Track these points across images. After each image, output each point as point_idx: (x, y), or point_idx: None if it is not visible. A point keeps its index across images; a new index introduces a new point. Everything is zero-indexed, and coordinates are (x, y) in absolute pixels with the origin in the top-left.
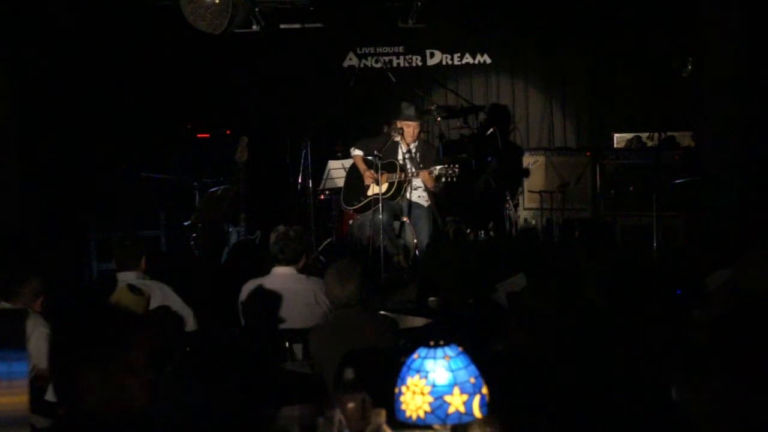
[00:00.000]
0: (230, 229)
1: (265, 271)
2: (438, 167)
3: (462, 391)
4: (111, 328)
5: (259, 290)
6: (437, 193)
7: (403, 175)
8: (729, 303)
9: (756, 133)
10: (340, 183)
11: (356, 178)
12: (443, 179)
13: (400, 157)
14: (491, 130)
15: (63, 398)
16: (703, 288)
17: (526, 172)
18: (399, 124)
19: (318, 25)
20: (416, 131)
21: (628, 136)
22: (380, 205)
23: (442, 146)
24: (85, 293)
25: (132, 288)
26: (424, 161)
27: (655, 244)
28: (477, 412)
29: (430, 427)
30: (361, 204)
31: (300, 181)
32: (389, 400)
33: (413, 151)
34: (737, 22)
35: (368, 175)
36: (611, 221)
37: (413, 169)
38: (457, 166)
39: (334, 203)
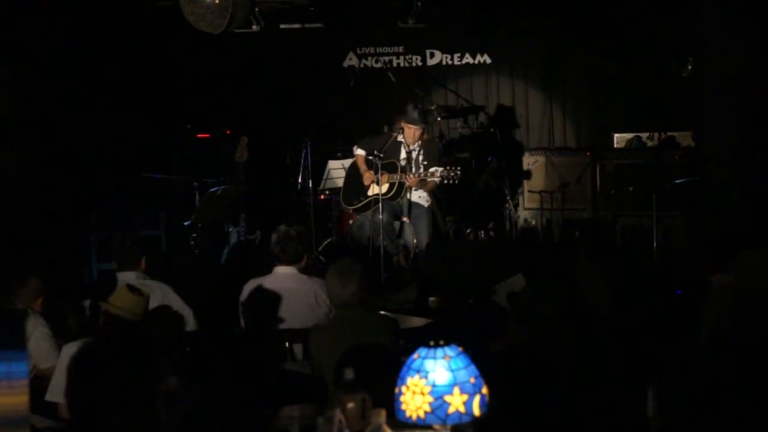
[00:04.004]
0: (230, 229)
1: (266, 271)
2: (440, 169)
3: (462, 391)
4: None
5: (260, 290)
6: (434, 191)
7: (403, 176)
8: (730, 303)
9: (756, 133)
10: (340, 183)
11: (356, 177)
12: (445, 182)
13: (403, 155)
14: (491, 130)
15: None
16: (705, 285)
17: (526, 173)
18: (402, 123)
19: (318, 25)
20: (417, 134)
21: (628, 136)
22: (380, 205)
23: (443, 146)
24: (85, 293)
25: (131, 288)
26: (427, 160)
27: (655, 244)
28: (477, 412)
29: (430, 427)
30: (362, 204)
31: (300, 181)
32: (389, 400)
33: (416, 150)
34: (737, 22)
35: (368, 176)
36: (611, 221)
37: (411, 170)
38: (458, 168)
39: (334, 203)
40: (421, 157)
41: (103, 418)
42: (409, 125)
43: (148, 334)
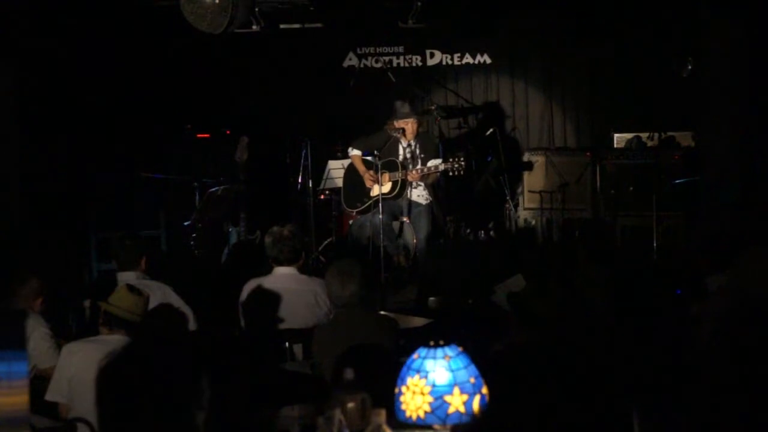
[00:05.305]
0: (230, 229)
1: (266, 271)
2: (440, 161)
3: (462, 391)
4: None
5: (260, 290)
6: (433, 184)
7: (405, 173)
8: (728, 304)
9: (756, 133)
10: (340, 183)
11: (356, 178)
12: (450, 174)
13: (401, 153)
14: (491, 130)
15: None
16: (703, 286)
17: (528, 169)
18: (397, 124)
19: (318, 25)
20: (415, 127)
21: (628, 136)
22: (380, 205)
23: (442, 146)
24: (85, 293)
25: (131, 288)
26: (424, 153)
27: (655, 244)
28: (477, 412)
29: (430, 427)
30: (365, 206)
31: (300, 181)
32: (389, 400)
33: (413, 145)
34: (737, 22)
35: (368, 177)
36: (611, 221)
37: (411, 166)
38: (462, 159)
39: (334, 203)
40: (418, 151)
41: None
42: (405, 120)
43: (188, 346)
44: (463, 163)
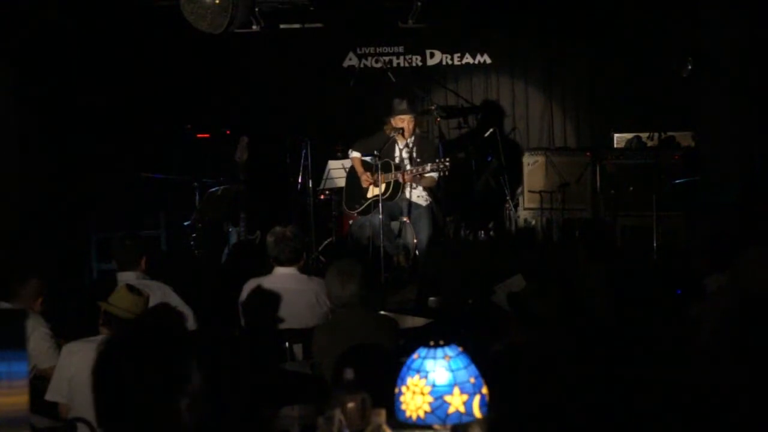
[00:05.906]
0: (230, 229)
1: (266, 271)
2: (429, 165)
3: (462, 391)
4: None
5: (260, 290)
6: (432, 188)
7: (399, 175)
8: (728, 304)
9: (756, 133)
10: (340, 183)
11: (356, 180)
12: (436, 175)
13: (397, 154)
14: (491, 130)
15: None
16: (701, 287)
17: (527, 173)
18: (394, 122)
19: (318, 25)
20: (412, 125)
21: (628, 136)
22: (380, 206)
23: (442, 146)
24: (85, 293)
25: (131, 288)
26: (421, 157)
27: (655, 244)
28: (477, 412)
29: (430, 427)
30: (363, 207)
31: (300, 181)
32: (389, 400)
33: (411, 146)
34: (737, 22)
35: (365, 179)
36: (611, 221)
37: (403, 170)
38: (447, 160)
39: (334, 203)
40: (415, 154)
41: (132, 420)
42: (402, 117)
43: (177, 333)
44: (448, 164)
